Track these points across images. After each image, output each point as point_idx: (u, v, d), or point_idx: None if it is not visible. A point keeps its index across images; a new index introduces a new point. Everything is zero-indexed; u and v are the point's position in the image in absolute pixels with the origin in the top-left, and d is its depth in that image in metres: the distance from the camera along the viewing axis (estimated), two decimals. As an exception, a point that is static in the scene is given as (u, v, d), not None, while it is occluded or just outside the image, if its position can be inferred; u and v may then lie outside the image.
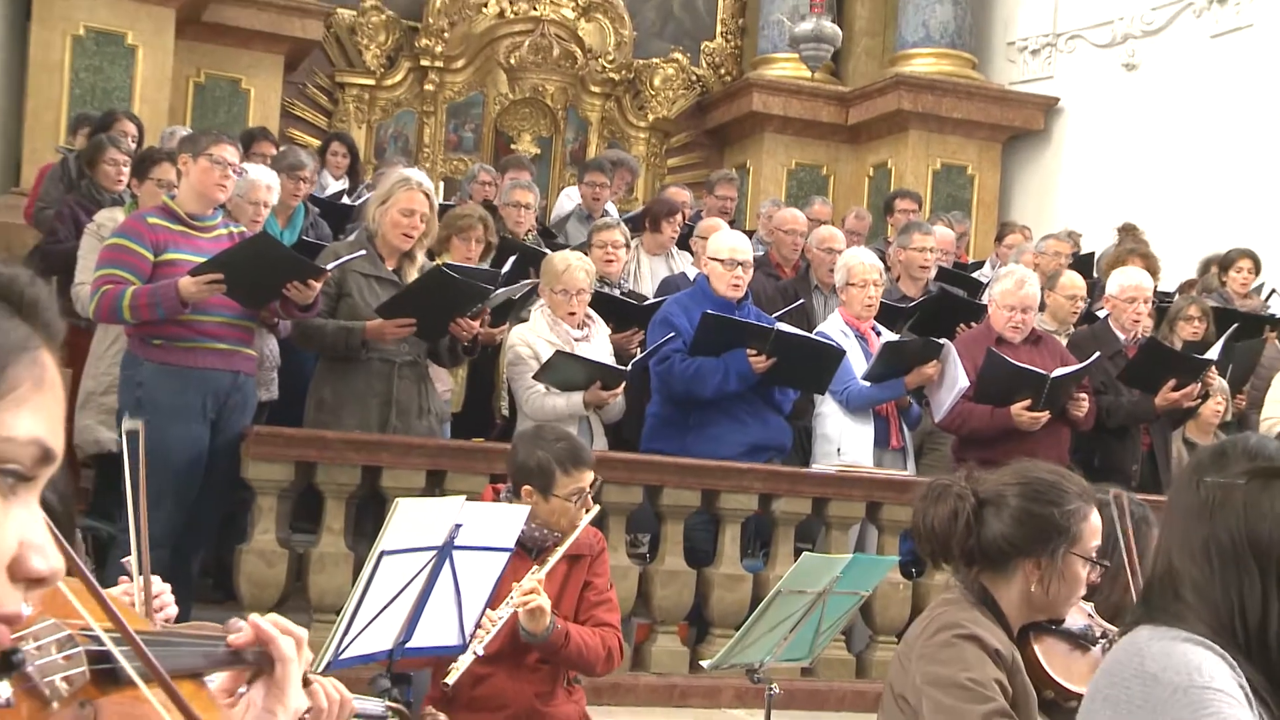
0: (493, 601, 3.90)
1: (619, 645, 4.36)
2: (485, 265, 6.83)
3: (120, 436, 5.12)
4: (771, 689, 4.35)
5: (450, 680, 3.86)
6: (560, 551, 4.08)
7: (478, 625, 3.88)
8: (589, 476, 4.28)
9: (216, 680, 1.41)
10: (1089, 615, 3.24)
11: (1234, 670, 2.06)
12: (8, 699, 1.13)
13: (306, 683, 1.49)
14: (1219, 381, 6.84)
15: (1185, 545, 2.20)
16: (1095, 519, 3.06)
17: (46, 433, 0.92)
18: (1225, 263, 9.04)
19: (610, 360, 6.36)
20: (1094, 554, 3.06)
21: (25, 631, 1.13)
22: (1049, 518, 2.99)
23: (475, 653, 3.83)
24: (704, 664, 5.41)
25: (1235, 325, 7.72)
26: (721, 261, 6.35)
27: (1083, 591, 3.11)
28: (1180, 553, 2.22)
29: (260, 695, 1.39)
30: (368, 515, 5.85)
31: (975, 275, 8.82)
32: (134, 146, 7.48)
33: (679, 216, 8.41)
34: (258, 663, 1.40)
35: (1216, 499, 2.18)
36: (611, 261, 7.31)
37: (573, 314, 6.31)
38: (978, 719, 2.79)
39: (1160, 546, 2.31)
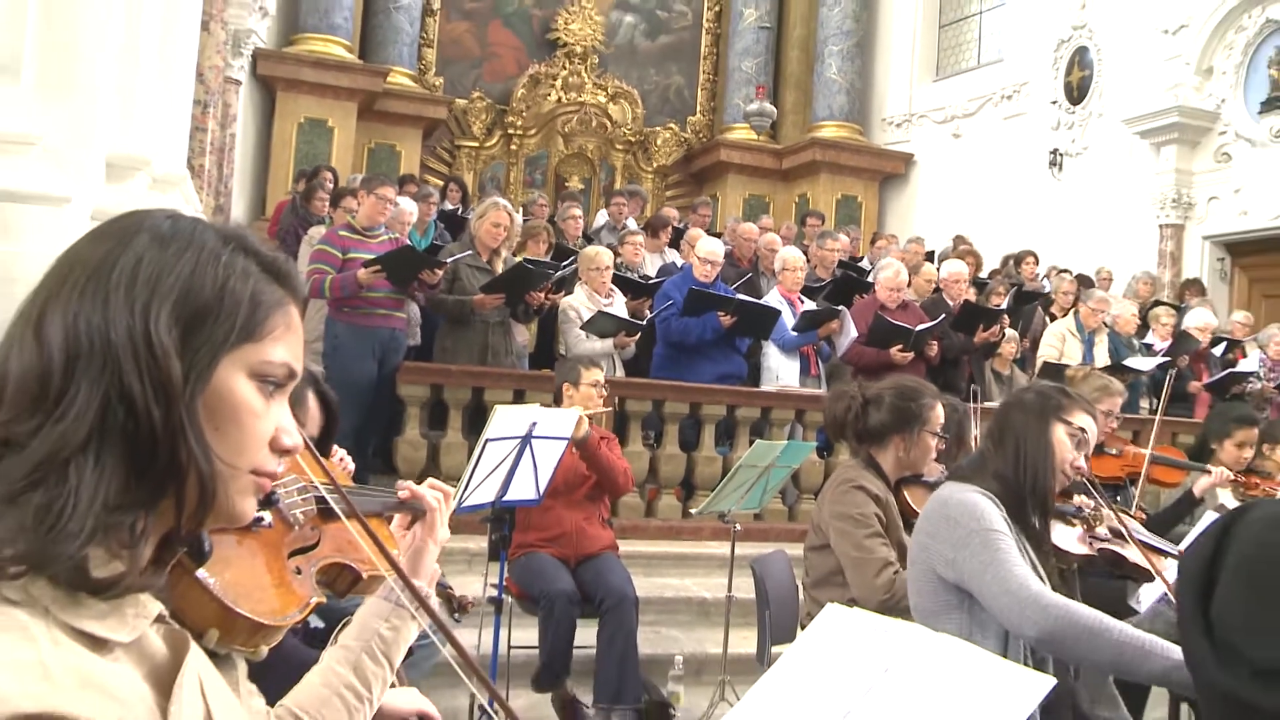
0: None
1: (630, 472, 4.94)
2: (548, 258, 7.38)
3: (323, 369, 6.29)
4: (735, 526, 4.87)
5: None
6: (593, 410, 4.71)
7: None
8: (600, 374, 4.84)
9: (394, 522, 1.54)
10: (941, 472, 3.53)
11: (1001, 511, 2.44)
12: (269, 522, 1.30)
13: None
14: (1011, 331, 7.59)
15: (989, 430, 2.67)
16: (940, 409, 3.39)
17: (293, 359, 0.96)
18: (1018, 259, 10.28)
19: (627, 317, 6.91)
20: (939, 431, 3.38)
21: (279, 482, 1.31)
22: (910, 408, 3.31)
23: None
24: (693, 511, 6.31)
25: (1020, 295, 8.76)
26: (701, 258, 7.00)
27: (934, 456, 3.40)
28: (987, 438, 2.66)
29: (419, 531, 1.51)
30: (477, 419, 6.11)
31: (861, 265, 9.56)
32: (331, 188, 8.04)
33: (669, 227, 9.16)
34: (415, 510, 1.51)
35: (1008, 405, 2.68)
36: (636, 254, 8.06)
37: (603, 284, 6.86)
38: (861, 538, 3.10)
39: (982, 437, 2.75)
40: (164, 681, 0.88)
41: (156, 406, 0.86)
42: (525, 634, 4.53)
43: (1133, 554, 2.84)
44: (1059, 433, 2.53)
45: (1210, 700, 1.07)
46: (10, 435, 0.85)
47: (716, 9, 15.68)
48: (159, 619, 0.92)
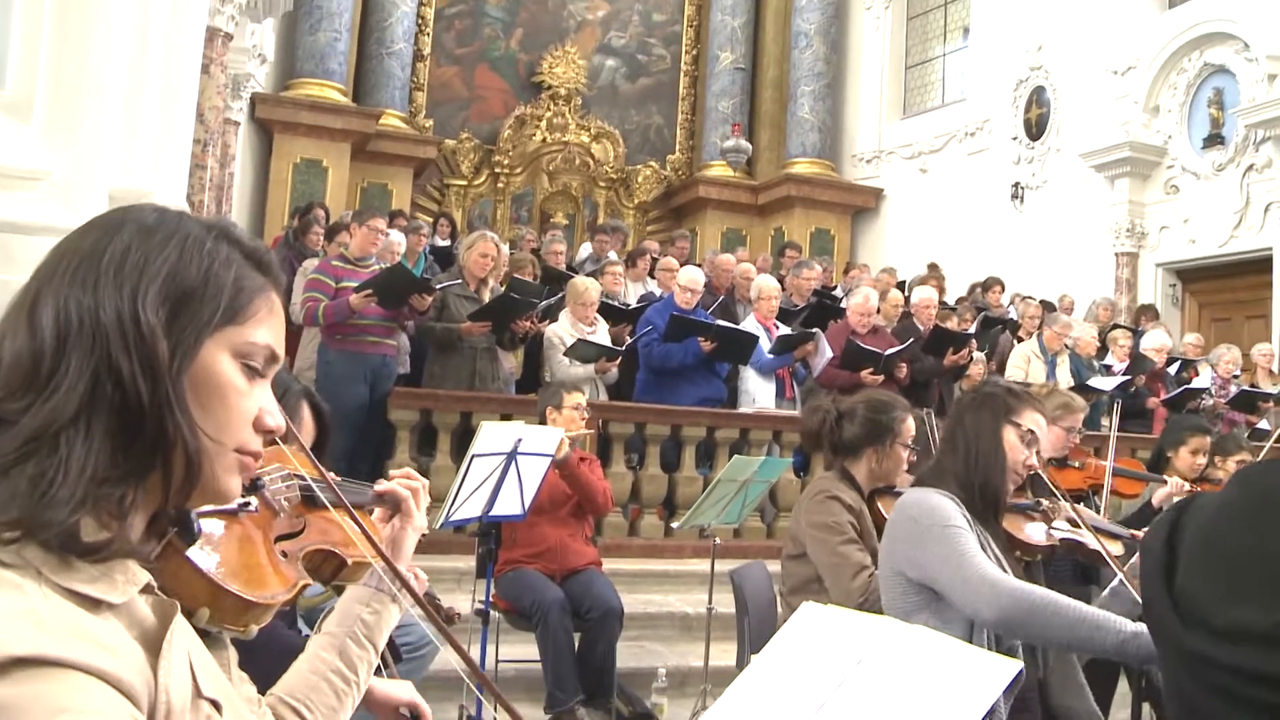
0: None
1: (609, 491, 4.88)
2: (536, 282, 7.42)
3: (327, 409, 6.28)
4: (715, 540, 4.89)
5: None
6: (575, 433, 4.67)
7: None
8: (581, 397, 4.82)
9: (375, 514, 1.53)
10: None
11: (960, 508, 2.44)
12: (255, 507, 1.28)
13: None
14: (978, 354, 7.66)
15: (944, 433, 2.67)
16: (911, 422, 3.35)
17: (274, 342, 0.97)
18: (985, 286, 10.31)
19: (609, 344, 6.91)
20: (910, 443, 3.34)
21: (265, 470, 1.30)
22: (882, 421, 3.27)
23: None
24: (674, 525, 6.14)
25: (986, 320, 8.92)
26: (683, 286, 7.03)
27: (905, 467, 3.34)
28: (944, 443, 2.65)
29: (399, 520, 1.50)
30: (465, 442, 5.59)
31: (834, 293, 9.53)
32: (324, 223, 8.13)
33: (647, 257, 9.21)
34: (394, 501, 1.50)
35: (960, 407, 2.66)
36: (616, 283, 8.05)
37: (586, 316, 6.88)
38: (837, 544, 3.09)
39: (940, 446, 2.70)
40: (153, 644, 0.88)
41: (144, 382, 0.88)
42: (513, 649, 4.48)
43: (1088, 539, 2.85)
44: (1009, 436, 2.53)
45: (1176, 662, 1.09)
46: (3, 413, 0.86)
47: (694, 52, 15.81)
48: (147, 589, 0.92)
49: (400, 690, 1.63)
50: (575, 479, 4.60)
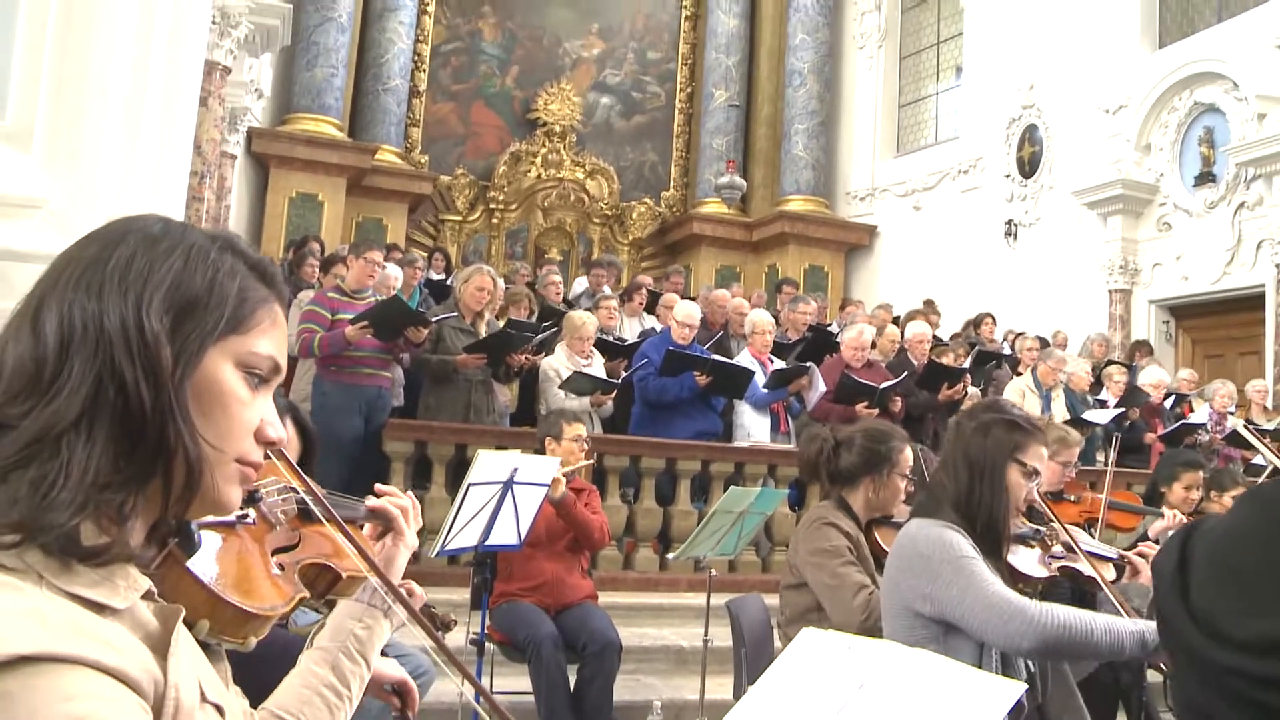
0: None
1: (607, 527, 4.82)
2: (532, 320, 7.48)
3: (312, 426, 6.24)
4: (711, 572, 4.83)
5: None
6: (571, 468, 4.59)
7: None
8: (582, 429, 4.78)
9: (365, 529, 1.53)
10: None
11: (967, 539, 2.40)
12: (253, 519, 1.30)
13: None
14: (973, 389, 7.61)
15: (943, 457, 2.60)
16: (909, 452, 3.34)
17: (277, 353, 0.97)
18: (977, 321, 10.35)
19: (604, 377, 6.93)
20: (908, 473, 3.32)
21: (261, 483, 1.31)
22: (880, 451, 3.26)
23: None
24: (670, 556, 6.18)
25: (980, 356, 8.83)
26: (679, 322, 7.04)
27: (902, 497, 3.32)
28: (942, 469, 2.56)
29: (390, 539, 1.51)
30: (460, 474, 5.59)
31: (829, 328, 9.47)
32: (319, 256, 8.19)
33: (643, 291, 9.21)
34: (385, 519, 1.51)
35: (961, 431, 2.57)
36: (611, 318, 8.03)
37: (582, 350, 6.88)
38: (835, 566, 3.08)
39: (935, 469, 2.65)
40: (159, 646, 0.88)
41: (147, 388, 0.87)
42: (508, 681, 4.43)
43: (1084, 566, 2.82)
44: (1014, 475, 2.47)
45: (1200, 679, 1.09)
46: (3, 417, 0.85)
47: (689, 90, 15.97)
48: (148, 596, 0.92)
49: (389, 668, 1.62)
50: (571, 518, 4.58)
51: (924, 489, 3.51)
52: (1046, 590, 2.57)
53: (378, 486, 1.59)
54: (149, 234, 0.94)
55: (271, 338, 0.98)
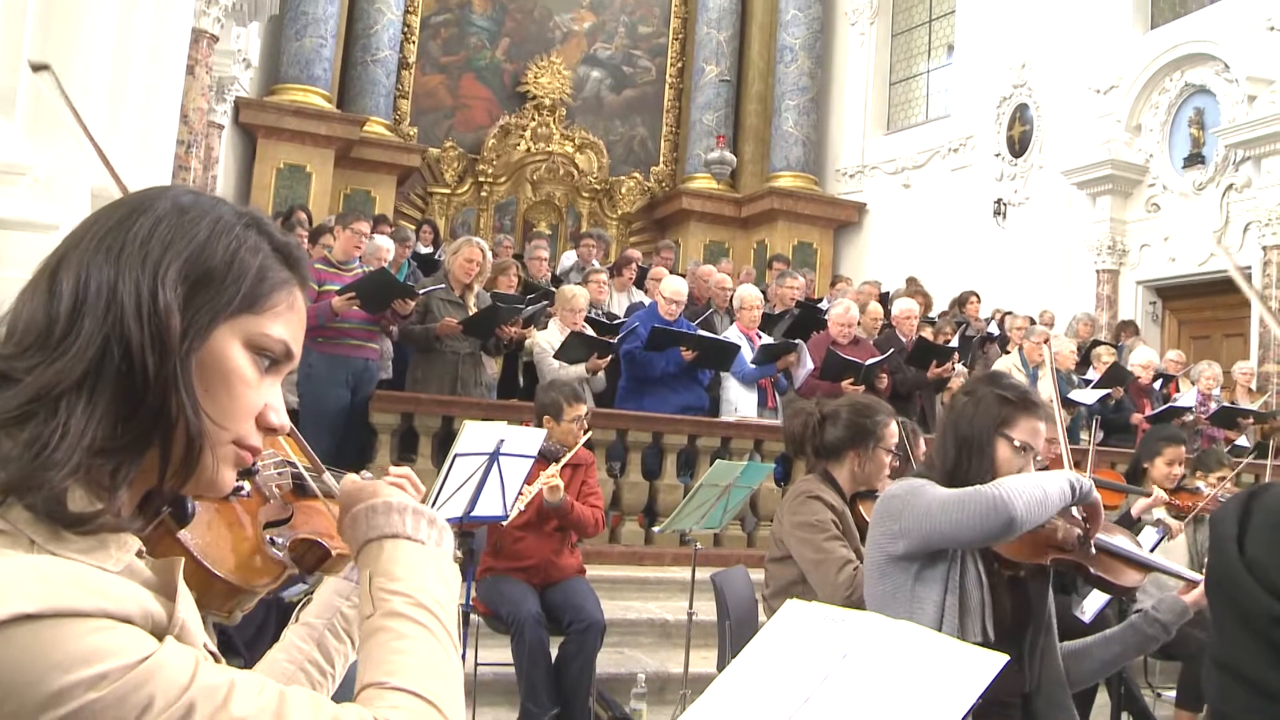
0: (524, 486, 4.21)
1: (602, 518, 4.76)
2: (517, 293, 7.40)
3: (298, 398, 6.22)
4: (696, 545, 4.86)
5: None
6: (569, 455, 4.46)
7: (516, 498, 4.17)
8: (584, 408, 4.61)
9: None
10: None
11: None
12: (248, 492, 1.29)
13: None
14: (960, 366, 7.64)
15: (937, 429, 2.69)
16: (894, 427, 3.31)
17: (291, 339, 0.96)
18: (963, 300, 10.32)
19: (597, 337, 6.82)
20: (893, 448, 3.30)
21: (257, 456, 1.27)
22: (865, 425, 3.25)
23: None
24: (655, 529, 6.22)
25: (967, 335, 8.82)
26: (667, 297, 7.01)
27: (887, 472, 3.30)
28: (937, 438, 2.52)
29: None
30: (447, 446, 5.59)
31: (819, 305, 9.40)
32: (307, 227, 8.16)
33: (633, 265, 9.15)
34: None
35: (955, 404, 2.53)
36: (601, 291, 8.03)
37: (575, 323, 6.83)
38: (820, 541, 3.06)
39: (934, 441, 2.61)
40: (164, 590, 0.87)
41: (152, 355, 0.87)
42: (493, 653, 4.45)
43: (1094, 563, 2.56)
44: (1001, 450, 2.37)
45: (1243, 623, 1.18)
46: (9, 370, 0.85)
47: (679, 65, 15.88)
48: (140, 555, 0.92)
49: None
50: (568, 520, 4.53)
51: (909, 467, 3.52)
52: (1033, 576, 2.48)
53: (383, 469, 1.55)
54: (178, 203, 0.93)
55: (287, 322, 0.96)
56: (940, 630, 2.16)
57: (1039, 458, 2.45)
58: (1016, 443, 2.38)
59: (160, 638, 0.80)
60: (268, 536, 1.29)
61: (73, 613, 0.75)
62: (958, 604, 2.26)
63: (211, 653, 0.93)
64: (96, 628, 0.76)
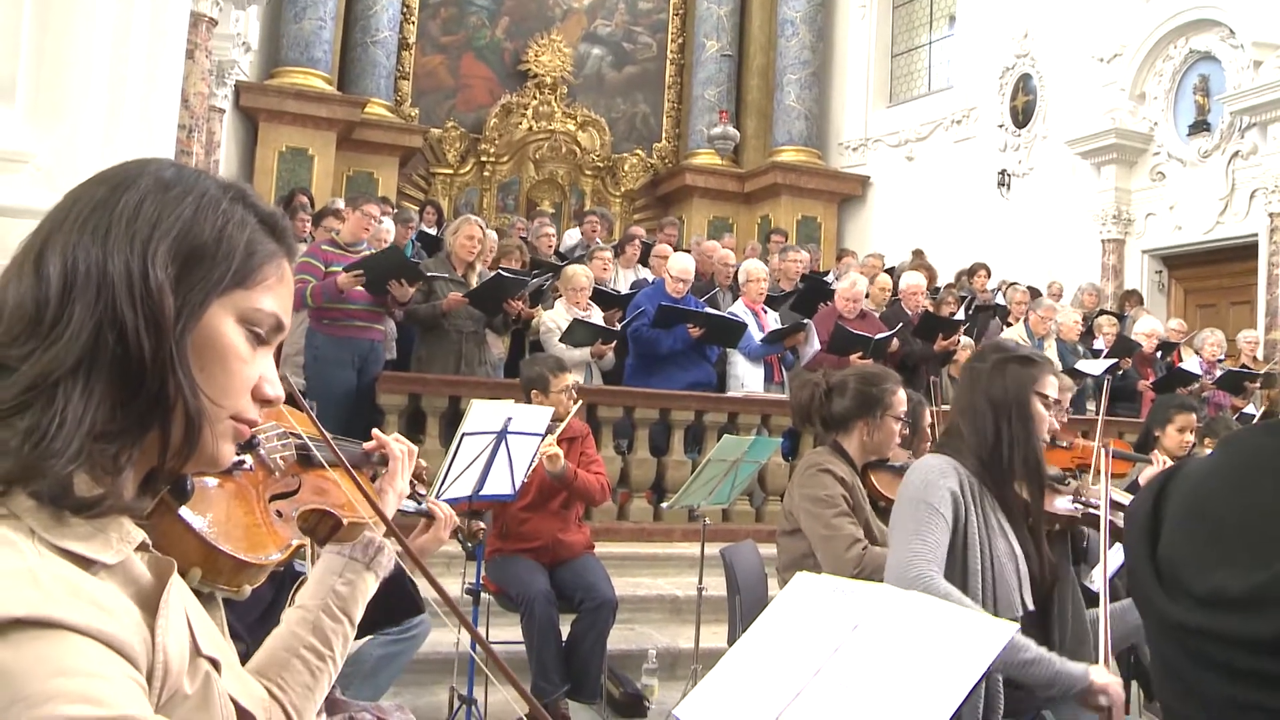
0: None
1: (607, 484, 4.76)
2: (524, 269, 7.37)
3: (304, 380, 6.22)
4: (705, 521, 4.82)
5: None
6: (562, 426, 4.46)
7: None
8: (570, 378, 4.62)
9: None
10: (909, 457, 3.51)
11: (960, 475, 2.40)
12: (250, 465, 1.29)
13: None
14: (966, 339, 7.67)
15: (959, 403, 2.58)
16: (902, 394, 3.31)
17: (281, 311, 0.95)
18: (970, 272, 10.26)
19: (603, 324, 6.89)
20: (902, 415, 3.29)
21: (259, 429, 1.28)
22: (874, 394, 3.23)
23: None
24: (664, 506, 6.10)
25: (975, 307, 8.93)
26: (674, 275, 7.00)
27: (897, 440, 3.31)
28: (957, 408, 2.58)
29: (382, 481, 1.55)
30: (454, 426, 5.52)
31: (825, 278, 9.21)
32: (310, 209, 8.11)
33: (636, 243, 9.17)
34: (382, 461, 1.56)
35: (976, 375, 2.55)
36: (605, 269, 8.02)
37: (580, 302, 6.87)
38: (829, 517, 3.05)
39: (951, 409, 2.66)
40: (149, 603, 0.87)
41: (147, 337, 0.85)
42: (503, 631, 4.46)
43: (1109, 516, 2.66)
44: (1037, 406, 2.48)
45: (1160, 634, 1.10)
46: (3, 358, 0.84)
47: (680, 40, 15.78)
48: (143, 547, 0.91)
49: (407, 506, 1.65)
50: (572, 488, 4.53)
51: (915, 436, 3.56)
52: (1064, 532, 2.56)
53: (375, 432, 1.59)
54: (161, 178, 0.92)
55: (276, 294, 0.96)
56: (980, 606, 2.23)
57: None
58: (1048, 397, 2.48)
59: (140, 664, 0.80)
60: (274, 509, 1.28)
61: (63, 625, 0.74)
62: (993, 580, 2.34)
63: (209, 657, 0.92)
64: (82, 651, 0.75)
